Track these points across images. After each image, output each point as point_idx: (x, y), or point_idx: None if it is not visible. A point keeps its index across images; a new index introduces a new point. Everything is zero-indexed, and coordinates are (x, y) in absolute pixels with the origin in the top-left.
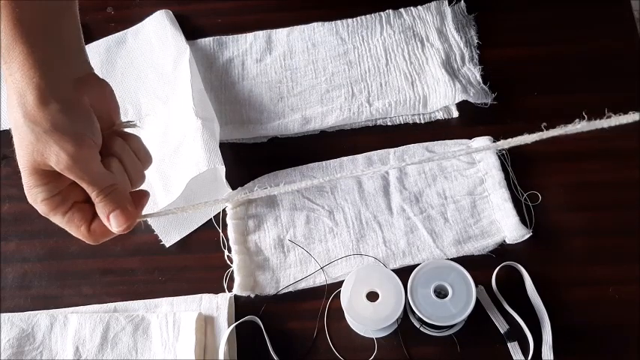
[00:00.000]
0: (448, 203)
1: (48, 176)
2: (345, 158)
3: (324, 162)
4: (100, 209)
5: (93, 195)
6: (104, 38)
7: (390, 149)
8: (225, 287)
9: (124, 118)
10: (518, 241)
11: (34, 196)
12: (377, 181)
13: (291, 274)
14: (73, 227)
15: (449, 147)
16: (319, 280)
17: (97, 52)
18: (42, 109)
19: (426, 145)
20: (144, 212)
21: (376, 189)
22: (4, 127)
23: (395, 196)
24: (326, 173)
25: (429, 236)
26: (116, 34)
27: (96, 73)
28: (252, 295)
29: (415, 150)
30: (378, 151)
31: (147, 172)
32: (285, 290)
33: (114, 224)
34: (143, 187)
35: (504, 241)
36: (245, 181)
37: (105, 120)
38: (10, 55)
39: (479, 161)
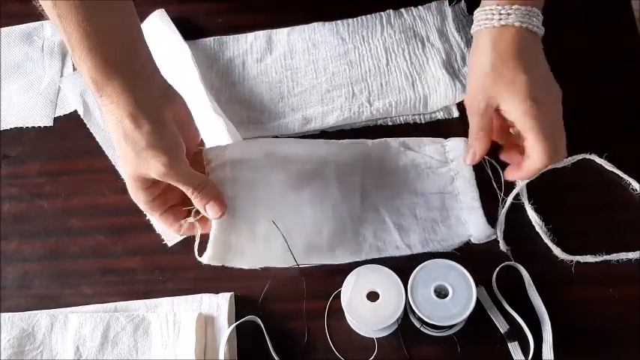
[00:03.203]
0: (419, 200)
1: (148, 182)
2: (320, 141)
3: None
4: (197, 203)
5: (189, 192)
6: None
7: (368, 140)
8: (196, 252)
9: None
10: (484, 241)
11: (138, 198)
12: (354, 176)
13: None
14: (167, 224)
15: (424, 144)
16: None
17: None
18: (137, 131)
19: (403, 140)
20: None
21: (352, 183)
22: (4, 127)
23: (368, 190)
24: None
25: (396, 231)
26: None
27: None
28: (224, 264)
29: (392, 144)
30: (355, 140)
31: None
32: (260, 267)
33: (211, 213)
34: None
35: (469, 240)
36: None
37: (184, 125)
38: (104, 89)
39: (452, 160)
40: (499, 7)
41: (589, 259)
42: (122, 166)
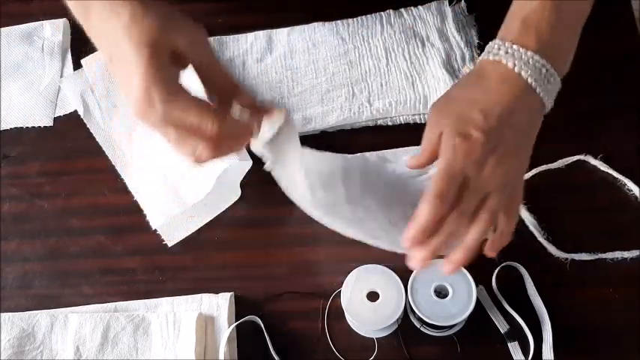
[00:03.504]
0: (408, 210)
1: (166, 58)
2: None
3: None
4: (222, 86)
5: (216, 69)
6: None
7: (346, 154)
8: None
9: (134, 125)
10: None
11: (156, 81)
12: (337, 187)
13: None
14: (185, 146)
15: (400, 155)
16: None
17: (96, 65)
18: (164, 5)
19: (378, 153)
20: None
21: (337, 194)
22: (4, 127)
23: (355, 202)
24: None
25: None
26: None
27: (99, 84)
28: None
29: (370, 158)
30: (333, 153)
31: (168, 175)
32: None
33: (236, 110)
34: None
35: None
36: (246, 179)
37: None
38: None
39: (432, 166)
40: (500, 42)
41: (584, 256)
42: (136, 43)
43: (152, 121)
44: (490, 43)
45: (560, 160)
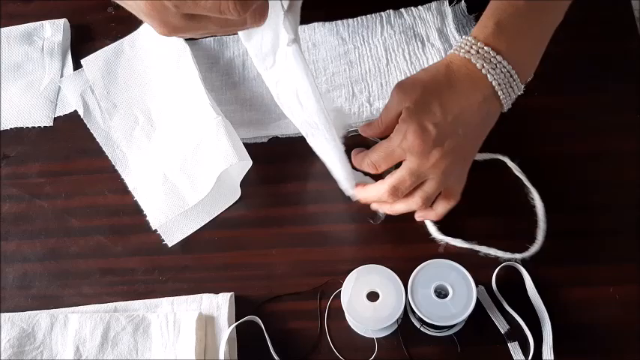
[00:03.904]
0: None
1: None
2: None
3: None
4: None
5: None
6: (101, 50)
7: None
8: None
9: (134, 125)
10: None
11: None
12: None
13: None
14: (225, 20)
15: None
16: None
17: (96, 65)
18: None
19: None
20: None
21: None
22: (4, 127)
23: None
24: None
25: None
26: (112, 44)
27: (99, 84)
28: None
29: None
30: None
31: (170, 175)
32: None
33: None
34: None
35: None
36: (246, 179)
37: None
38: None
39: None
40: (473, 40)
41: (458, 242)
42: None
43: (175, 23)
44: (463, 38)
45: (480, 155)
